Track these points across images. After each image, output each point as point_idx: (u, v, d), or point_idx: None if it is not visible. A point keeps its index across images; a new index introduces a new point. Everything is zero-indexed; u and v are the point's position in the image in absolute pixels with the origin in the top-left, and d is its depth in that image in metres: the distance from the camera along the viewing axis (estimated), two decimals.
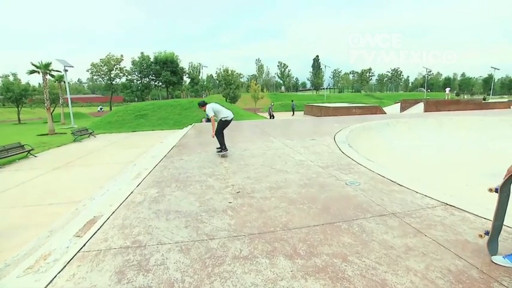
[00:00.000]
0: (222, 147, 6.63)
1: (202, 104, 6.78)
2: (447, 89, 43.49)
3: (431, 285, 2.08)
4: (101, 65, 48.03)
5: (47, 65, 23.79)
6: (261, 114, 35.83)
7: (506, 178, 2.35)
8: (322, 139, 8.25)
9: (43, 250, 2.93)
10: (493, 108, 25.66)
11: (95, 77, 52.00)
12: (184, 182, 4.66)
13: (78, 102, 59.73)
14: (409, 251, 2.52)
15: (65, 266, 2.44)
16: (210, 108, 6.56)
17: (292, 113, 38.00)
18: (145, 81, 49.27)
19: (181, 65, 49.11)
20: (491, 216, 2.81)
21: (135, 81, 49.22)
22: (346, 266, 2.32)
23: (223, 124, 6.67)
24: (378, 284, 2.10)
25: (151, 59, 47.61)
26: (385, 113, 26.08)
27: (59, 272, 2.36)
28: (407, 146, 10.19)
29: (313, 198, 3.81)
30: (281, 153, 6.59)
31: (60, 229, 3.79)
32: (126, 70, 48.69)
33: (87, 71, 49.29)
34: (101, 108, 51.82)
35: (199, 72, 56.42)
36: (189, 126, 13.52)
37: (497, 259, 2.35)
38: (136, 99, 51.15)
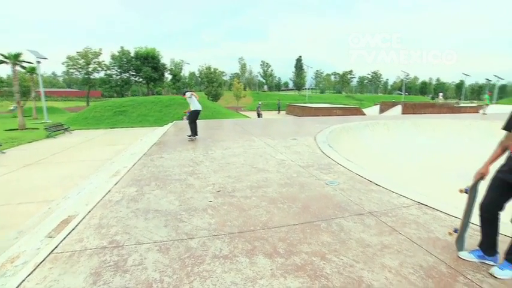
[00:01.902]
0: (193, 133, 8.67)
1: (183, 93, 8.97)
2: (440, 94, 45.88)
3: (404, 280, 2.17)
4: (78, 58, 46.01)
5: (17, 56, 22.43)
6: (243, 112, 35.80)
7: (475, 180, 2.49)
8: (303, 139, 8.36)
9: (10, 253, 2.79)
10: (464, 112, 27.05)
11: (71, 71, 49.62)
12: (164, 181, 4.58)
13: (52, 96, 56.99)
14: (385, 248, 2.62)
15: (35, 269, 2.33)
16: (189, 93, 8.77)
17: (278, 111, 38.57)
18: (125, 77, 47.75)
19: (162, 61, 48.05)
20: (460, 215, 2.97)
21: (114, 76, 47.55)
22: (324, 264, 2.38)
23: (196, 114, 8.75)
24: (354, 281, 2.17)
25: (132, 54, 46.24)
26: (365, 115, 26.81)
27: (28, 275, 2.25)
28: (386, 146, 10.55)
29: (293, 197, 3.86)
30: (262, 152, 6.62)
31: (31, 230, 3.62)
32: (105, 64, 46.89)
33: (63, 63, 47.04)
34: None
35: (181, 69, 55.58)
36: (170, 124, 13.29)
37: (464, 254, 2.49)
38: (115, 94, 49.54)
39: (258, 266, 2.35)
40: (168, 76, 54.03)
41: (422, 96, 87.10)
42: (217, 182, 4.52)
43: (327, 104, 41.69)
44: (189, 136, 8.66)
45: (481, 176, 2.44)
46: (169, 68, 52.60)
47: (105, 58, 47.09)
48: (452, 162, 8.97)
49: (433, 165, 8.75)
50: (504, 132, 2.38)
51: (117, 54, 46.27)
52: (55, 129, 17.97)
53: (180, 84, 53.23)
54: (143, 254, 2.52)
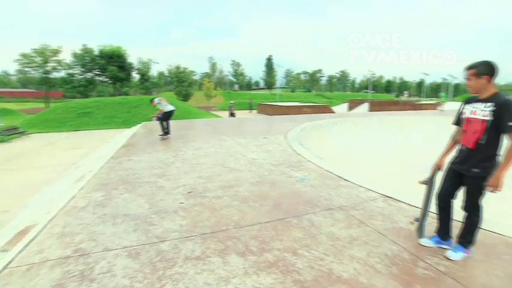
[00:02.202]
0: (164, 133, 8.91)
1: (151, 100, 9.59)
2: (406, 92, 48.61)
3: (371, 269, 2.30)
4: (34, 56, 42.62)
5: None
6: (214, 112, 35.47)
7: (432, 172, 2.69)
8: (274, 137, 8.48)
9: None
10: (424, 109, 28.91)
11: (26, 69, 45.90)
12: (133, 184, 4.44)
13: (5, 97, 52.66)
14: (353, 240, 2.75)
15: None
16: (158, 99, 9.29)
17: (250, 110, 38.73)
18: (89, 76, 45.23)
19: (129, 60, 46.11)
20: (421, 205, 3.19)
21: (77, 75, 44.81)
22: (296, 259, 2.45)
23: (169, 114, 9.11)
24: (325, 273, 2.25)
25: (96, 53, 43.89)
26: (334, 112, 27.72)
27: None
28: (354, 143, 10.98)
29: (265, 195, 3.92)
30: (234, 151, 6.62)
31: None
32: (65, 63, 43.96)
33: (15, 61, 43.22)
34: None
35: (150, 68, 53.78)
36: (139, 125, 12.84)
37: (424, 241, 2.69)
38: (79, 95, 46.78)
39: (231, 265, 2.36)
40: (135, 76, 52.03)
41: (388, 94, 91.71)
42: (188, 183, 4.46)
43: (297, 102, 42.57)
44: (161, 135, 8.76)
45: (437, 168, 2.65)
46: (136, 67, 50.64)
47: (66, 56, 44.22)
48: (415, 155, 9.56)
49: (398, 159, 9.27)
50: (455, 127, 2.60)
51: (79, 52, 43.66)
52: (9, 133, 16.64)
53: (149, 84, 51.52)
54: (111, 260, 2.43)
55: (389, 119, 14.74)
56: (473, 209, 2.39)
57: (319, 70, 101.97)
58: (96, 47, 44.29)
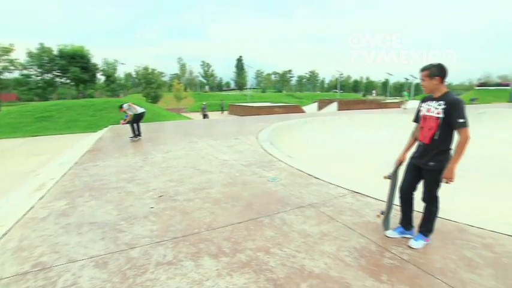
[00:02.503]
0: (134, 135, 8.95)
1: (120, 107, 9.38)
2: (374, 92, 51.10)
3: (341, 263, 2.40)
4: None
5: None
6: (185, 114, 34.81)
7: (395, 167, 2.86)
8: (245, 138, 8.50)
9: None
10: (389, 107, 30.51)
11: None
12: (100, 190, 4.24)
13: None
14: (324, 236, 2.84)
15: None
16: (126, 106, 9.22)
17: (221, 111, 38.48)
18: (48, 78, 42.27)
19: (93, 60, 43.75)
20: (386, 199, 3.37)
21: (33, 76, 41.66)
22: (268, 257, 2.48)
23: (140, 117, 9.12)
24: (297, 270, 2.31)
25: (55, 52, 41.14)
26: (305, 112, 28.35)
27: None
28: (324, 141, 11.31)
29: (236, 196, 3.93)
30: (205, 153, 6.56)
31: None
32: (19, 63, 40.53)
33: None
34: None
35: (116, 69, 51.53)
36: (105, 129, 12.27)
37: (389, 233, 2.85)
38: (36, 98, 43.59)
39: (204, 267, 2.35)
40: (100, 77, 49.57)
41: (355, 94, 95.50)
42: (158, 186, 4.35)
43: (268, 102, 42.99)
44: (132, 138, 8.84)
45: (400, 163, 2.84)
46: (101, 68, 48.25)
47: (20, 55, 40.86)
48: (381, 151, 10.06)
49: (365, 156, 9.69)
50: (414, 124, 2.79)
51: (35, 51, 40.64)
52: None
53: (115, 86, 49.34)
54: (77, 272, 2.31)
55: (357, 118, 15.38)
56: (431, 200, 2.58)
57: (289, 70, 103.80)
58: (55, 46, 41.51)
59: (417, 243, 2.63)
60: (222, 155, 6.33)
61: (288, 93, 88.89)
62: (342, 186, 4.28)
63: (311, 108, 40.42)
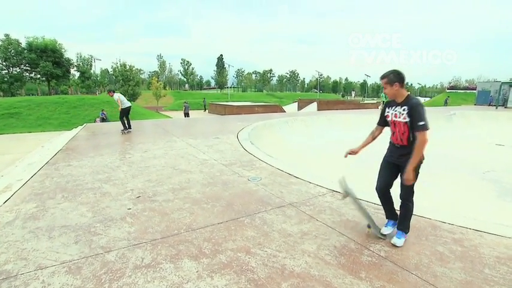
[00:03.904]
0: (125, 128, 9.53)
1: (109, 90, 9.78)
2: (353, 92, 53.38)
3: (321, 262, 2.43)
4: None
5: None
6: (164, 112, 34.08)
7: (345, 154, 3.04)
8: (225, 137, 8.44)
9: None
10: (367, 108, 31.48)
11: None
12: (73, 192, 4.04)
13: None
14: (304, 235, 2.87)
15: None
16: (117, 96, 9.51)
17: (204, 109, 38.33)
18: (15, 72, 39.77)
19: (66, 55, 41.70)
20: (365, 197, 3.46)
21: None
22: (249, 258, 2.47)
23: (127, 111, 9.66)
24: (278, 269, 2.32)
25: (23, 45, 38.77)
26: (285, 111, 28.59)
27: None
28: (304, 140, 11.47)
29: (217, 196, 3.88)
30: (184, 153, 6.44)
31: None
32: None
33: None
34: None
35: (91, 65, 49.47)
36: (80, 127, 11.75)
37: (383, 230, 2.88)
38: (1, 93, 41.00)
39: (184, 270, 2.30)
40: (74, 73, 47.42)
41: (334, 94, 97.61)
42: (136, 187, 4.22)
43: (249, 102, 43.03)
44: (123, 130, 9.52)
45: (351, 153, 2.99)
46: (76, 63, 46.12)
47: None
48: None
49: (343, 155, 9.91)
50: (375, 125, 2.97)
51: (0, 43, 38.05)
52: None
53: (90, 83, 47.39)
54: (46, 279, 2.18)
55: (336, 117, 15.71)
56: (408, 196, 2.67)
57: (270, 70, 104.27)
58: (23, 38, 39.13)
59: (400, 241, 2.70)
60: (202, 155, 6.24)
61: (269, 92, 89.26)
62: (321, 185, 4.34)
63: (291, 107, 40.87)
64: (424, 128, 2.40)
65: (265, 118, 13.72)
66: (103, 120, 19.48)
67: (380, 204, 2.95)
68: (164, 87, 50.28)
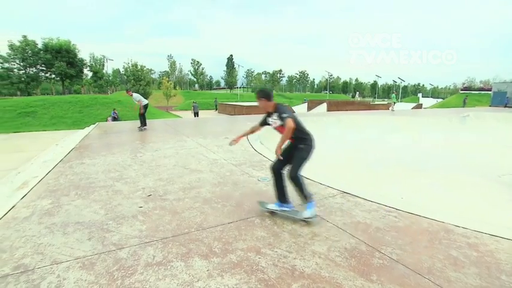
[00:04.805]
0: (142, 125, 10.20)
1: (128, 90, 10.84)
2: (357, 93, 52.87)
3: (332, 263, 2.41)
4: None
5: None
6: (174, 112, 34.41)
7: (230, 142, 3.81)
8: (235, 137, 8.42)
9: None
10: (378, 109, 31.04)
11: None
12: (86, 189, 4.13)
13: None
14: (315, 236, 2.85)
15: None
16: (137, 95, 10.25)
17: (215, 109, 39.48)
18: (31, 72, 40.86)
19: (80, 55, 42.58)
20: (377, 199, 3.44)
21: (15, 70, 40.15)
22: (260, 258, 2.47)
23: (145, 107, 10.21)
24: (288, 270, 2.31)
25: (40, 46, 39.79)
26: (294, 112, 28.40)
27: None
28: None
29: (227, 196, 3.90)
30: (195, 152, 6.49)
31: None
32: (0, 56, 38.98)
33: None
34: None
35: (104, 65, 50.42)
36: (92, 126, 11.99)
37: (270, 206, 3.32)
38: (19, 93, 42.18)
39: (194, 268, 2.32)
40: (87, 73, 48.37)
41: (344, 95, 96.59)
42: (147, 186, 4.28)
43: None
44: (140, 127, 10.16)
45: (233, 142, 3.71)
46: (88, 64, 47.06)
47: (1, 48, 39.26)
48: (369, 152, 10.23)
49: (353, 156, 9.82)
50: (258, 123, 3.51)
51: (18, 44, 39.18)
52: None
53: (103, 82, 48.30)
54: (62, 274, 2.23)
55: (346, 118, 15.57)
56: (296, 173, 3.06)
57: (280, 70, 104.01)
58: (39, 39, 40.18)
59: (307, 211, 3.06)
60: (212, 154, 6.28)
61: (278, 93, 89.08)
62: (331, 186, 4.30)
63: (301, 108, 40.66)
64: (288, 117, 2.95)
65: None
66: (114, 119, 19.83)
67: (388, 206, 2.92)
68: (174, 87, 50.77)
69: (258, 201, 3.50)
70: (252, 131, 3.68)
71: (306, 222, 3.09)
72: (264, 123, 3.42)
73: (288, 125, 2.92)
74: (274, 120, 3.17)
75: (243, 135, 3.76)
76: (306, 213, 3.07)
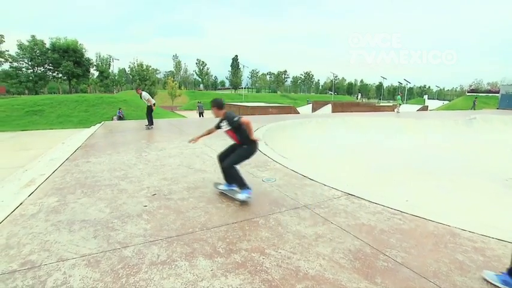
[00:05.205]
0: (150, 123, 10.50)
1: (138, 88, 10.97)
2: (359, 94, 52.15)
3: (336, 265, 2.40)
4: None
5: None
6: (179, 112, 34.57)
7: (192, 141, 4.41)
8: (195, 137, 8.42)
9: None
10: (383, 111, 30.85)
11: None
12: (92, 187, 4.17)
13: None
14: (319, 238, 2.84)
15: None
16: (146, 94, 10.55)
17: None
18: (39, 71, 41.43)
19: (87, 55, 43.05)
20: (381, 201, 3.41)
21: (24, 69, 40.76)
22: (264, 258, 2.47)
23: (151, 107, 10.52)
24: (292, 271, 2.30)
25: (47, 45, 40.33)
26: (299, 113, 28.42)
27: None
28: (318, 142, 11.36)
29: (231, 196, 3.89)
30: (199, 152, 6.51)
31: None
32: (9, 55, 39.59)
33: None
34: None
35: (110, 65, 50.88)
36: (98, 125, 12.10)
37: (221, 187, 3.98)
38: (27, 91, 42.78)
39: (198, 268, 2.32)
40: (94, 72, 48.88)
41: (349, 96, 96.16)
42: (152, 185, 4.30)
43: (263, 103, 43.00)
44: (147, 126, 10.46)
45: (192, 141, 4.29)
46: (95, 63, 47.53)
47: (10, 47, 39.88)
48: (374, 153, 10.16)
49: (358, 157, 9.77)
50: (213, 126, 3.96)
51: (26, 43, 39.76)
52: None
53: (109, 82, 48.76)
54: (67, 271, 2.26)
55: (350, 120, 15.49)
56: (230, 164, 3.66)
57: (284, 71, 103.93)
58: (47, 39, 40.73)
59: (241, 195, 3.61)
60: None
61: (283, 94, 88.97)
62: (336, 187, 4.28)
63: (305, 109, 40.59)
64: (239, 118, 3.53)
65: (280, 119, 13.67)
66: (120, 118, 20.00)
67: (393, 208, 2.90)
68: (179, 87, 51.04)
69: (214, 182, 4.18)
70: (209, 133, 4.17)
71: (240, 202, 3.63)
72: (218, 127, 3.89)
73: (244, 121, 3.53)
74: (224, 125, 3.71)
75: (202, 136, 4.25)
76: (240, 196, 3.62)
